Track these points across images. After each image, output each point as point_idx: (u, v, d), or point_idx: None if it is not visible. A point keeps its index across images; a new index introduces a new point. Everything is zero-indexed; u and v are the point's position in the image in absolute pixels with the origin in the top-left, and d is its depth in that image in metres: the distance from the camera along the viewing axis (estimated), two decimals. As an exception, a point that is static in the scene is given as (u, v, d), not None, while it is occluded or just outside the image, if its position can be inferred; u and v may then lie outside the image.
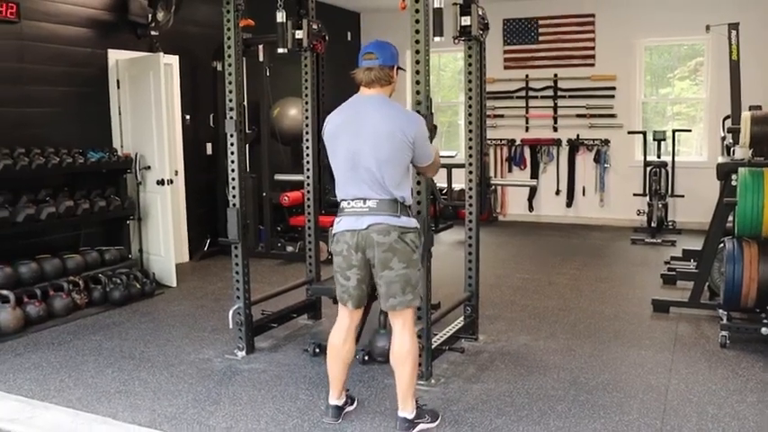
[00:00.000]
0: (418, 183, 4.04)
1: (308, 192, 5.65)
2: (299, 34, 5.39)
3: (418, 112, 3.92)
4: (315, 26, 5.47)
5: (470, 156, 5.03)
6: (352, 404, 3.95)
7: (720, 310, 5.19)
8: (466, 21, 4.70)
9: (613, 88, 10.27)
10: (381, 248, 3.53)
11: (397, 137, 3.51)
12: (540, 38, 10.61)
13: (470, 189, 5.05)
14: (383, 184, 3.52)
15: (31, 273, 5.82)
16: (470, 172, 5.04)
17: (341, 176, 3.65)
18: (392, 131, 3.51)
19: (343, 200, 3.64)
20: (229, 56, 4.71)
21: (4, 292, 5.43)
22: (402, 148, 3.53)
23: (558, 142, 10.68)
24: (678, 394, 4.13)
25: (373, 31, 10.78)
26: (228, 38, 4.70)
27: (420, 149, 3.62)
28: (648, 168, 9.38)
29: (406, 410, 3.67)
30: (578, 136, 10.53)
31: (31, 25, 6.25)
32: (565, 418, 3.81)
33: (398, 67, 3.71)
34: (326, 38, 5.69)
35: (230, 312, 4.85)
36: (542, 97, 10.73)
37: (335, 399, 3.84)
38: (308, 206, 5.67)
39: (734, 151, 5.96)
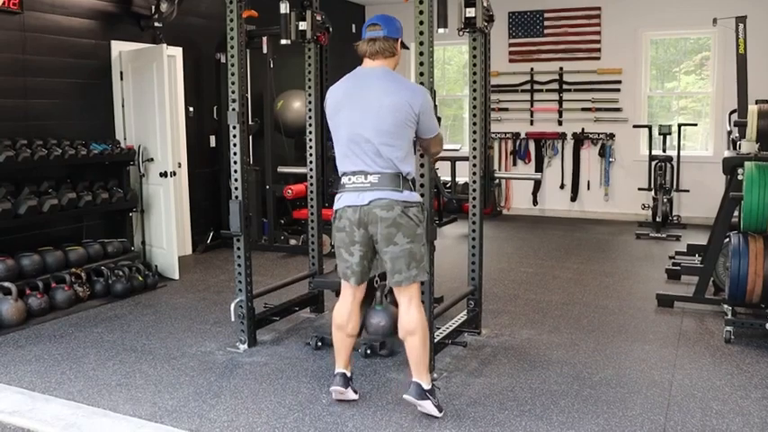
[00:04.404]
0: (422, 175, 4.01)
1: (312, 184, 5.63)
2: (303, 26, 5.36)
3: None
4: (318, 18, 5.44)
5: (474, 149, 5.01)
6: (354, 395, 3.93)
7: (725, 306, 5.16)
8: (471, 12, 4.67)
9: (619, 82, 10.22)
10: (385, 224, 3.50)
11: (403, 110, 3.47)
12: (546, 31, 10.56)
13: (474, 182, 5.03)
14: (385, 158, 3.49)
15: (33, 265, 5.82)
16: (474, 165, 5.01)
17: (342, 149, 3.61)
18: (397, 104, 3.47)
19: (344, 174, 3.60)
20: (232, 47, 4.68)
21: (6, 284, 5.42)
22: (407, 121, 3.49)
23: (562, 136, 10.64)
24: (682, 390, 4.10)
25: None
26: (231, 29, 4.67)
27: (425, 122, 3.58)
28: (654, 163, 9.33)
29: (421, 379, 3.66)
30: (583, 130, 10.49)
31: (34, 16, 6.22)
32: (568, 413, 3.79)
33: (402, 43, 3.68)
34: (330, 30, 5.66)
35: (232, 305, 4.83)
36: (547, 91, 10.69)
37: (342, 367, 3.86)
38: (312, 199, 5.64)
39: (740, 145, 5.93)
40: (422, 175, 4.02)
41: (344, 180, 3.60)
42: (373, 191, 3.51)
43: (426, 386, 3.67)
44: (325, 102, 3.72)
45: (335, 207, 3.66)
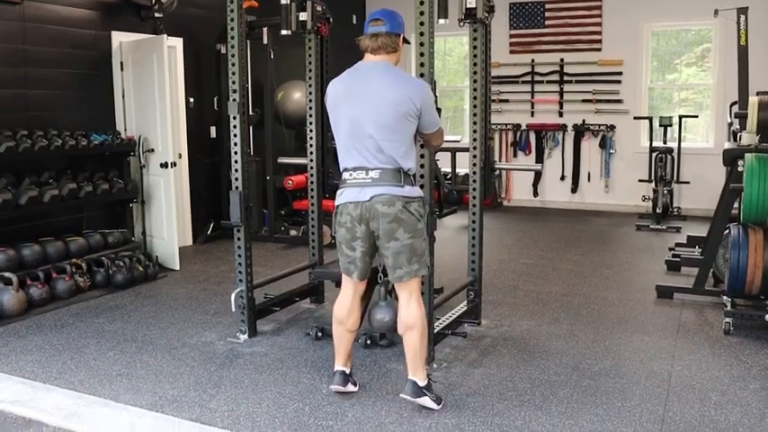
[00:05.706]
0: (422, 166, 4.01)
1: (312, 175, 5.63)
2: (303, 16, 5.35)
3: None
4: (319, 8, 5.43)
5: (475, 140, 5.01)
6: (354, 386, 3.94)
7: (724, 297, 5.16)
8: (471, 3, 4.66)
9: (620, 73, 10.20)
10: (386, 219, 3.51)
11: (405, 104, 3.46)
12: (547, 22, 10.53)
13: (474, 174, 5.02)
14: (387, 153, 3.48)
15: (34, 255, 5.82)
16: (475, 156, 5.01)
17: (343, 144, 3.60)
18: (399, 98, 3.46)
19: (345, 170, 3.60)
20: (232, 38, 4.67)
21: (7, 274, 5.43)
22: (408, 116, 3.48)
23: (563, 127, 10.63)
24: (681, 381, 4.11)
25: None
26: (232, 20, 4.66)
27: (426, 116, 3.57)
28: (654, 154, 9.33)
29: (417, 376, 3.67)
30: (584, 121, 10.48)
31: (34, 6, 6.21)
32: (567, 404, 3.80)
33: (404, 38, 3.67)
34: (331, 20, 5.65)
35: (232, 296, 4.84)
36: (548, 82, 10.67)
37: (341, 365, 3.87)
38: (312, 190, 5.65)
39: (741, 137, 5.92)
40: (422, 166, 4.02)
41: (345, 175, 3.59)
42: (374, 186, 3.51)
43: (422, 383, 3.67)
44: (326, 96, 3.71)
45: (337, 203, 3.65)
